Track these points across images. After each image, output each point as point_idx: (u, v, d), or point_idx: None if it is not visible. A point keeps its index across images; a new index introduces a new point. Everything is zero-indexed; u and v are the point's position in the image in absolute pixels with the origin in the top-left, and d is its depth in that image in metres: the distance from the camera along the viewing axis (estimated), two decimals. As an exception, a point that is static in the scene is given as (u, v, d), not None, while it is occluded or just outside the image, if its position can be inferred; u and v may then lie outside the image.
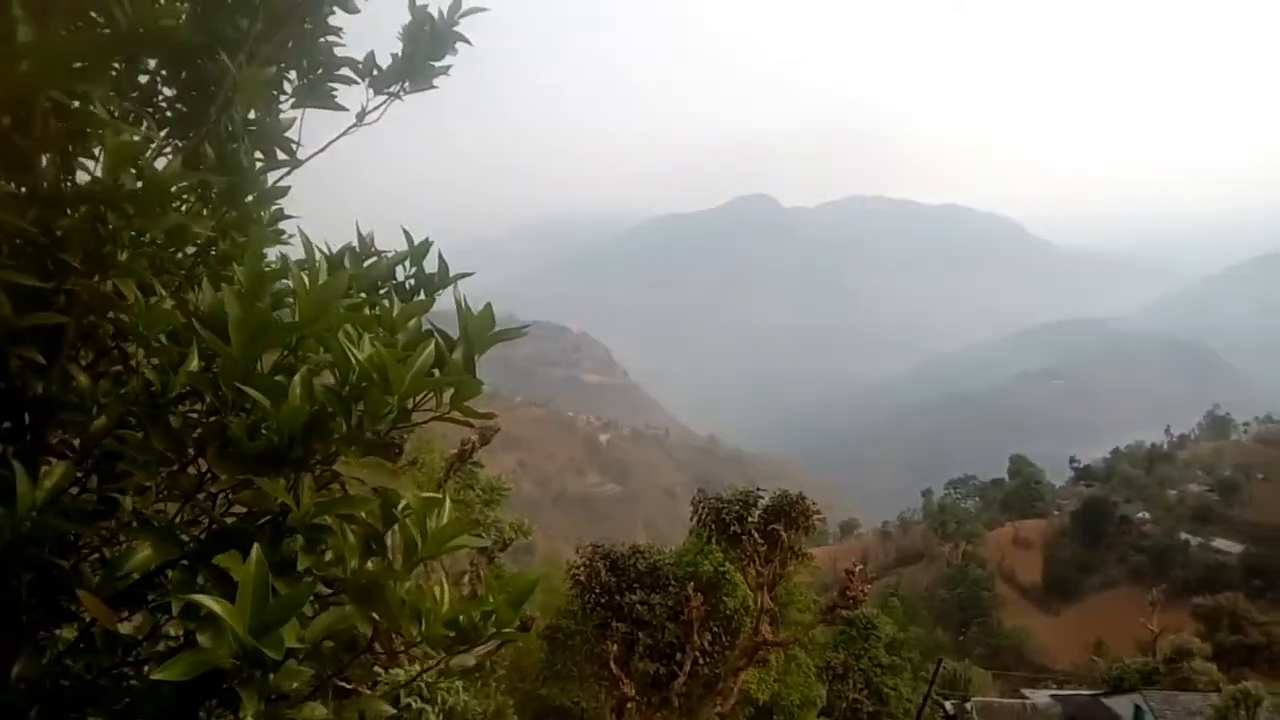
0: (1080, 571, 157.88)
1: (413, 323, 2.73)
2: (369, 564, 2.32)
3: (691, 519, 22.84)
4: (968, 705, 49.48)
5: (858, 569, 19.44)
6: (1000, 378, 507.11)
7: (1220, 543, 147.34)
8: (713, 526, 22.12)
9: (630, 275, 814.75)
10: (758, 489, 23.12)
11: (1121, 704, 28.60)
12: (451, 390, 2.62)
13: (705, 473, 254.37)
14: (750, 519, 21.89)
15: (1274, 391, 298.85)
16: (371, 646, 2.50)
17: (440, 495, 2.48)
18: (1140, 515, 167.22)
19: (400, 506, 2.32)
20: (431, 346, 2.55)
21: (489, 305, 2.89)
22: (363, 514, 2.30)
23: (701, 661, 19.11)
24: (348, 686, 2.95)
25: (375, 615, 2.35)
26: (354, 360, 2.19)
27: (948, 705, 49.38)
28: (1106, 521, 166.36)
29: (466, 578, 19.23)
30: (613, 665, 17.24)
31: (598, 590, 20.28)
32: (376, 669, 11.96)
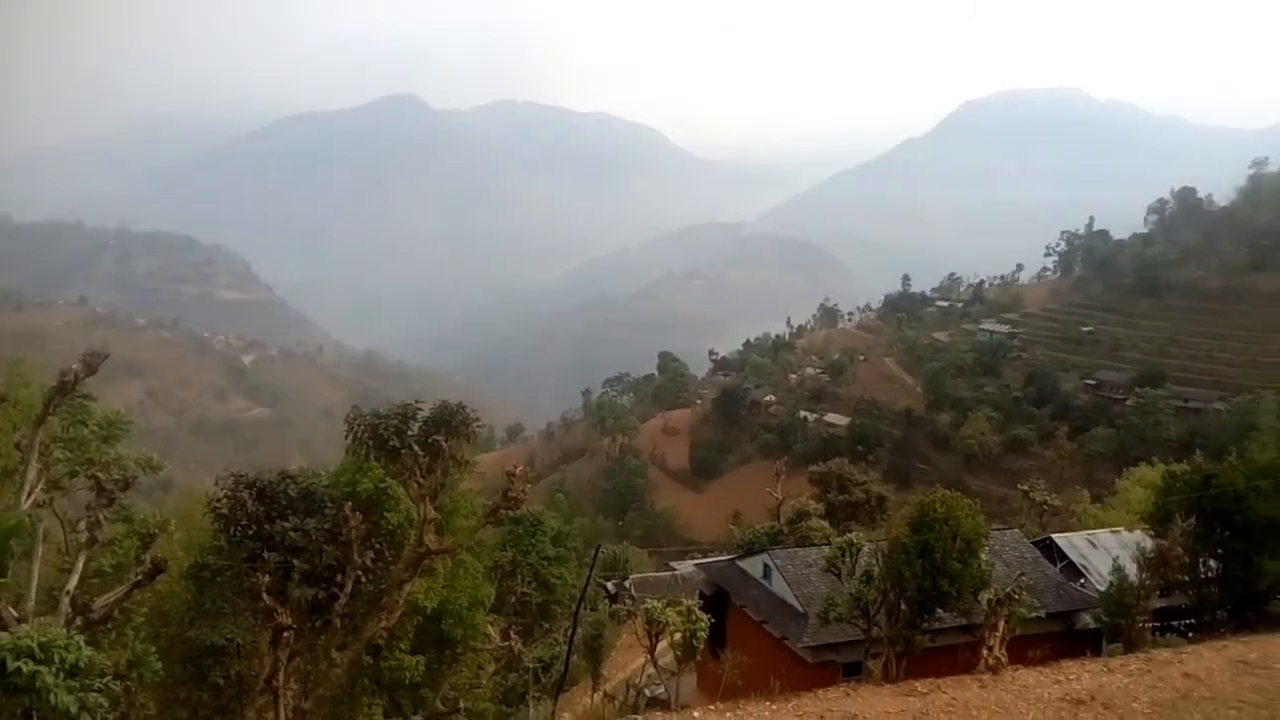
0: (720, 452, 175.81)
1: None
2: None
3: (347, 438, 21.97)
4: (626, 583, 53.49)
5: (518, 470, 19.91)
6: (647, 280, 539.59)
7: (831, 417, 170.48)
8: (370, 444, 21.44)
9: (266, 180, 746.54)
10: (416, 401, 22.73)
11: (754, 564, 32.09)
12: None
13: (366, 390, 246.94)
14: (410, 432, 21.48)
15: (873, 283, 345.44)
16: None
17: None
18: (768, 398, 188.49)
19: None
20: None
21: None
22: None
23: (364, 580, 18.65)
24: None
25: None
26: None
27: (609, 585, 53.08)
28: (740, 406, 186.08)
29: (83, 523, 17.07)
30: (265, 596, 16.28)
31: (244, 521, 18.96)
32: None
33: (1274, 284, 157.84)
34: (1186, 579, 25.53)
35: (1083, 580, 32.46)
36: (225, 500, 19.03)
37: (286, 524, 18.85)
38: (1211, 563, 25.11)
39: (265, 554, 18.41)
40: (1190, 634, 25.30)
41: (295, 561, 18.44)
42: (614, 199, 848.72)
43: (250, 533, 18.92)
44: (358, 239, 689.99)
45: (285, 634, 16.28)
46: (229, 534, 19.39)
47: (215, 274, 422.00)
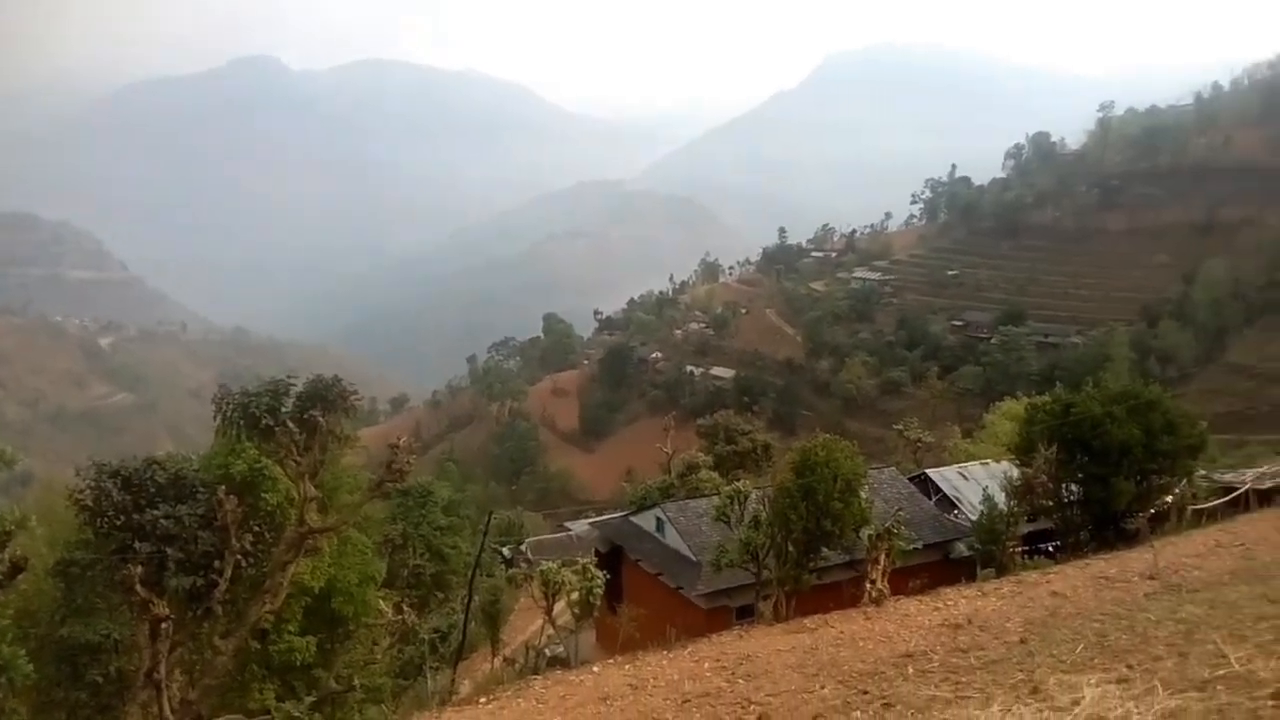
0: (610, 411, 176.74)
1: None
2: None
3: (216, 419, 20.98)
4: (522, 547, 53.46)
5: (401, 442, 19.48)
6: (529, 241, 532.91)
7: (717, 370, 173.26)
8: (242, 424, 20.51)
9: (114, 151, 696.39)
10: (289, 377, 21.86)
11: (647, 519, 32.51)
12: None
13: (236, 368, 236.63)
14: (283, 409, 20.66)
15: (751, 237, 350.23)
16: None
17: None
18: (654, 355, 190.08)
19: None
20: None
21: None
22: None
23: (245, 564, 17.99)
24: None
25: None
26: None
27: (505, 551, 52.94)
28: (627, 364, 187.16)
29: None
30: (139, 588, 15.53)
31: (111, 512, 17.92)
32: None
33: (1122, 222, 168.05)
34: (1051, 504, 27.14)
35: (956, 511, 34.16)
36: (89, 491, 17.93)
37: (157, 512, 17.93)
38: (1073, 487, 26.73)
39: (136, 545, 17.49)
40: (1056, 555, 26.99)
41: (169, 550, 17.60)
42: (490, 160, 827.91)
43: (118, 524, 17.91)
44: (219, 210, 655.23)
45: (164, 625, 15.61)
46: (96, 526, 18.32)
47: (64, 253, 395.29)
